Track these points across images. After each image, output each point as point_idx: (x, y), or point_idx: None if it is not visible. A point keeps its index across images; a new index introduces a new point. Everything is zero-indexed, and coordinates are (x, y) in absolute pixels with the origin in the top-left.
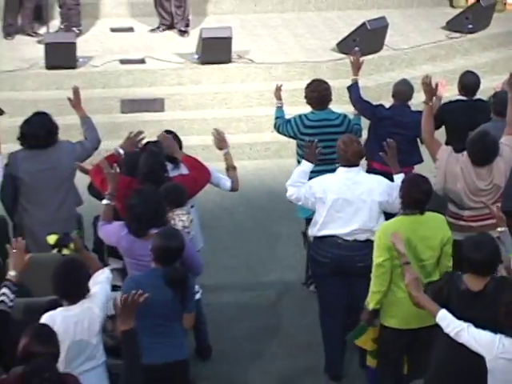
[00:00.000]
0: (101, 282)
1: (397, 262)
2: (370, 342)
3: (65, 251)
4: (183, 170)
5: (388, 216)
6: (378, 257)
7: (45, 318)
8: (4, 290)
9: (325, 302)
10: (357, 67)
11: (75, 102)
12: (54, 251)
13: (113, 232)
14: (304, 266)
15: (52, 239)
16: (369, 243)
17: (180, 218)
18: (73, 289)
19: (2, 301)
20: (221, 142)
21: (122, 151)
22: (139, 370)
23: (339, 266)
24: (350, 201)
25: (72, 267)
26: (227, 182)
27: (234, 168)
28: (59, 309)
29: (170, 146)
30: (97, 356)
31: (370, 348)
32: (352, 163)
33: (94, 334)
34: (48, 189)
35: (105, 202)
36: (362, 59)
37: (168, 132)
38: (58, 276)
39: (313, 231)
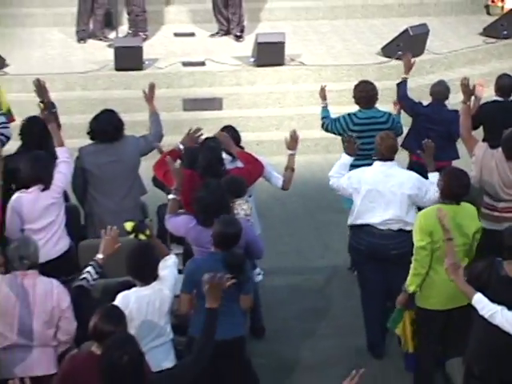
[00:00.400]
0: (169, 266)
1: (435, 247)
2: (408, 327)
3: (141, 236)
4: (239, 163)
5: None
6: (419, 240)
7: (120, 297)
8: (89, 268)
9: (364, 287)
10: (408, 67)
11: (149, 97)
12: (131, 237)
13: (181, 224)
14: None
15: (129, 226)
16: (402, 233)
17: (242, 207)
18: (146, 271)
19: (85, 278)
20: (293, 143)
21: (182, 146)
22: (213, 346)
23: (374, 253)
24: (382, 192)
25: (146, 251)
26: (279, 181)
27: (292, 170)
28: (133, 289)
29: (225, 142)
30: (165, 334)
31: (410, 334)
32: (386, 157)
33: (164, 314)
34: (114, 180)
35: (171, 196)
36: (413, 61)
37: (227, 127)
38: (132, 259)
39: (350, 220)
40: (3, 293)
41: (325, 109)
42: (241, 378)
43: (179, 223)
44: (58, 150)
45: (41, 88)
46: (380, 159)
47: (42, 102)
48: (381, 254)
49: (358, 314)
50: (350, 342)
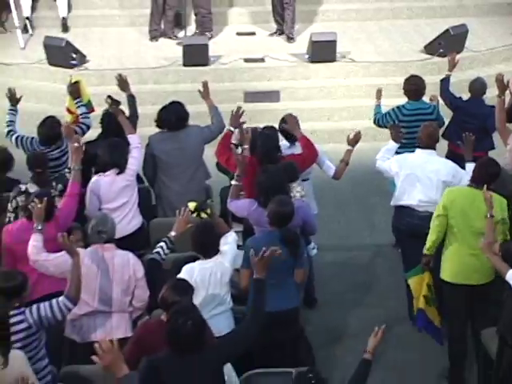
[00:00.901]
0: (229, 242)
1: (452, 223)
2: (423, 285)
3: (202, 215)
4: (295, 149)
5: None
6: (436, 210)
7: (185, 269)
8: (162, 244)
9: (406, 261)
10: (452, 65)
11: (204, 94)
12: (194, 215)
13: (244, 207)
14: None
15: (192, 206)
16: None
17: (297, 190)
18: (208, 246)
19: (158, 252)
20: (353, 141)
21: (232, 128)
22: (264, 314)
23: (413, 231)
24: (420, 177)
25: (207, 229)
26: (331, 170)
27: (347, 164)
28: (197, 262)
29: (291, 124)
30: (225, 303)
31: (423, 292)
32: (427, 145)
33: (224, 284)
34: (180, 165)
35: (234, 182)
36: (457, 59)
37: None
38: (196, 236)
39: (393, 201)
40: (86, 265)
41: (378, 106)
42: (295, 344)
43: (242, 206)
44: (130, 137)
45: (123, 81)
46: (421, 147)
47: (109, 97)
48: (419, 233)
49: (401, 287)
50: (392, 312)
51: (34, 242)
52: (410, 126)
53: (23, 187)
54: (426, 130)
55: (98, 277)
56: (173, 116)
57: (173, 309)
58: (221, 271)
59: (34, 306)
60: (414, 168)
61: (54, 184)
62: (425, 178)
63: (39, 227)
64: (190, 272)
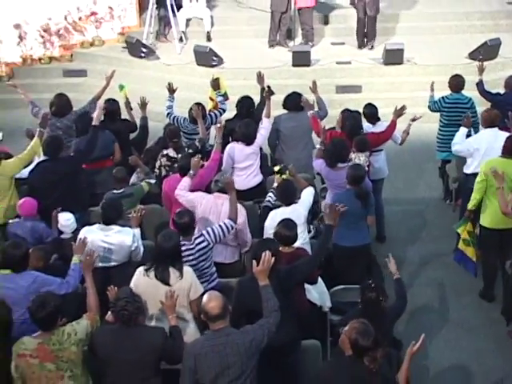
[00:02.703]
0: (307, 194)
1: (491, 184)
2: (465, 231)
3: (284, 176)
4: (375, 128)
5: None
6: (478, 177)
7: (271, 215)
8: (271, 194)
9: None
10: (481, 71)
11: (313, 88)
12: (278, 176)
13: (318, 165)
14: (442, 187)
15: (276, 168)
16: None
17: (359, 158)
18: (288, 197)
19: (269, 200)
20: (398, 113)
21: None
22: (325, 251)
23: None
24: (496, 148)
25: (288, 185)
26: (398, 140)
27: (407, 133)
28: (280, 208)
29: (398, 114)
30: (302, 237)
31: (464, 236)
32: (493, 124)
33: (301, 224)
34: (296, 138)
35: (317, 146)
36: (484, 66)
37: (370, 104)
38: (280, 189)
39: (469, 170)
40: (203, 205)
41: (432, 97)
42: (369, 269)
43: (317, 164)
44: (264, 119)
45: (260, 77)
46: (488, 126)
47: (268, 87)
48: None
49: (449, 228)
50: (441, 247)
51: (183, 182)
52: (450, 112)
53: (165, 151)
54: (489, 113)
55: (210, 215)
56: (292, 102)
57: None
58: (297, 215)
59: (209, 229)
60: (490, 142)
61: (186, 149)
62: (497, 148)
63: (192, 173)
64: (275, 216)
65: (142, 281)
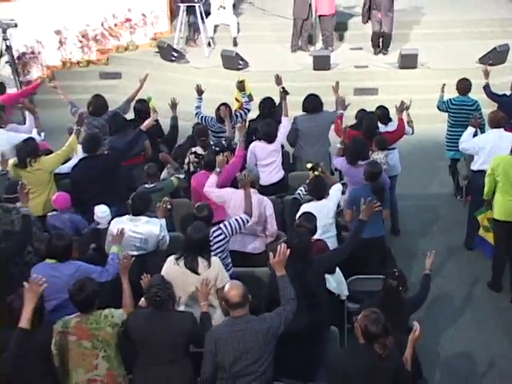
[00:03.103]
0: (336, 190)
1: (497, 180)
2: (485, 219)
3: (316, 172)
4: (388, 127)
5: None
6: (487, 171)
7: (303, 207)
8: (301, 188)
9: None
10: (486, 74)
11: (336, 89)
12: (310, 172)
13: (339, 162)
14: (452, 184)
15: (309, 165)
16: None
17: (378, 156)
18: (319, 192)
19: (299, 193)
20: (400, 109)
21: (344, 112)
22: (357, 242)
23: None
24: (501, 147)
25: (319, 181)
26: (409, 132)
27: (411, 121)
28: (311, 203)
29: (400, 109)
30: (330, 230)
31: (484, 223)
32: (499, 125)
33: (330, 218)
34: (315, 136)
35: (338, 145)
36: (489, 70)
37: (382, 106)
38: (311, 185)
39: (475, 166)
40: (233, 200)
41: (441, 97)
42: (384, 259)
43: (338, 162)
44: (283, 118)
45: (279, 79)
46: (494, 127)
47: (283, 87)
48: None
49: (459, 223)
50: (452, 240)
51: (211, 179)
52: (456, 113)
53: (193, 149)
54: (498, 115)
55: (240, 210)
56: (311, 104)
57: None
58: (327, 209)
59: (226, 222)
60: (495, 141)
61: (213, 147)
62: (504, 148)
63: (218, 170)
64: (306, 209)
65: (172, 269)
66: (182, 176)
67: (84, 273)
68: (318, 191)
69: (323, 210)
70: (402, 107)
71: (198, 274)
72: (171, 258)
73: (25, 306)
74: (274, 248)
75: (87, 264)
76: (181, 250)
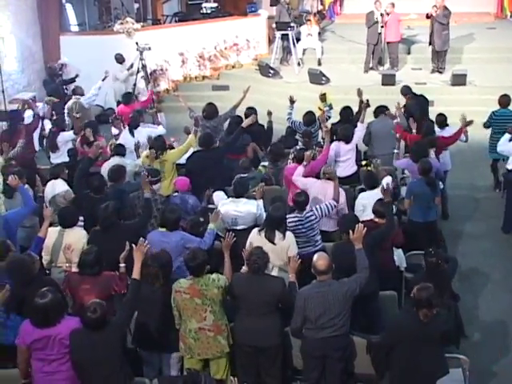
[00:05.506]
0: (385, 181)
1: None
2: None
3: (369, 168)
4: (443, 132)
5: None
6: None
7: (359, 196)
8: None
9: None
10: None
11: (359, 92)
12: (364, 167)
13: (403, 163)
14: (493, 180)
15: (363, 162)
16: None
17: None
18: (370, 182)
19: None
20: (465, 123)
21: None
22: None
23: None
24: None
25: (372, 174)
26: (464, 138)
27: (467, 131)
28: (366, 192)
29: (464, 123)
30: None
31: None
32: None
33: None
34: (383, 138)
35: (395, 151)
36: None
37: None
38: (365, 177)
39: (509, 166)
40: (314, 188)
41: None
42: (436, 239)
43: (402, 163)
44: (359, 124)
45: (360, 92)
46: None
47: (361, 101)
48: None
49: (499, 210)
50: (491, 224)
51: (298, 170)
52: (497, 122)
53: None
54: None
55: (319, 196)
56: (380, 112)
57: None
58: (379, 197)
59: (318, 206)
60: None
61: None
62: None
63: (305, 163)
64: (362, 197)
65: (255, 238)
66: (266, 163)
67: (187, 241)
68: (369, 182)
69: (376, 197)
70: (468, 123)
71: (274, 243)
72: (255, 230)
73: (135, 262)
74: (353, 227)
75: (189, 235)
76: (263, 224)
